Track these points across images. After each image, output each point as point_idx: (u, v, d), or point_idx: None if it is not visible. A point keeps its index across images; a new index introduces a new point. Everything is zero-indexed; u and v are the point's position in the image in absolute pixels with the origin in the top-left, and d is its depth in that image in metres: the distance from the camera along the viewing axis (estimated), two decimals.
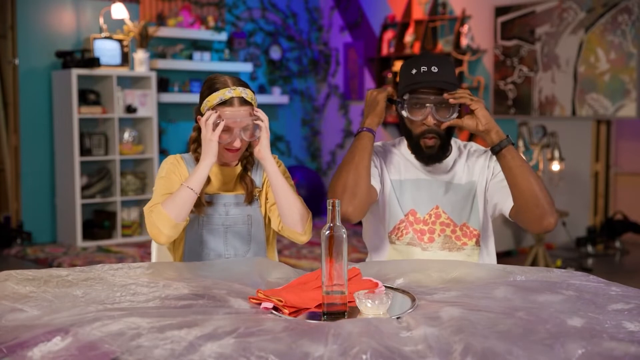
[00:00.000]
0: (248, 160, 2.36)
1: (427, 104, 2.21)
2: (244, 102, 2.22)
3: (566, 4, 6.35)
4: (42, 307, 1.65)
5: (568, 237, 6.34)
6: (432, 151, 2.27)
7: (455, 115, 2.24)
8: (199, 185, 2.15)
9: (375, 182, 2.28)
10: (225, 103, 2.20)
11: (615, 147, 6.63)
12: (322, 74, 8.52)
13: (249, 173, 2.35)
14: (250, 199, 2.31)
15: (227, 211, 2.29)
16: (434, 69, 2.20)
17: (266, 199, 2.36)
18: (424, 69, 2.21)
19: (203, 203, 2.27)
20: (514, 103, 6.77)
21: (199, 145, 2.32)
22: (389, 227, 2.33)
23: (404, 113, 2.24)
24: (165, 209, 2.12)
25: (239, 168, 2.35)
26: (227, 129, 2.21)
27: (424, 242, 2.29)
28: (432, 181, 2.32)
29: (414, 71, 2.22)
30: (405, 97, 2.23)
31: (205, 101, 2.24)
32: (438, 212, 2.30)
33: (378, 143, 2.43)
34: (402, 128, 2.32)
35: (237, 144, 2.23)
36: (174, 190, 2.22)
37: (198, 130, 2.31)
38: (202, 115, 2.25)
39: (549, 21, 6.47)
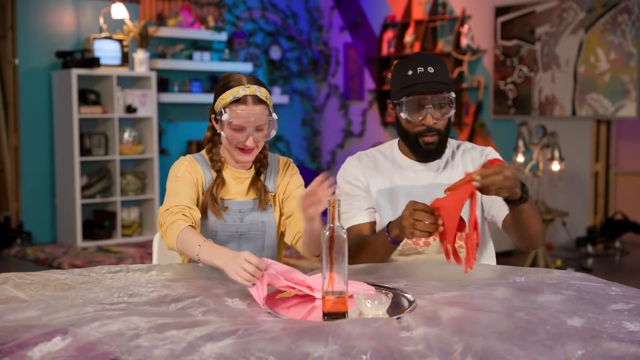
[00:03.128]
0: (262, 163, 2.31)
1: (426, 105, 2.20)
2: (258, 100, 2.17)
3: (566, 4, 6.35)
4: (40, 308, 1.65)
5: (568, 237, 6.34)
6: (431, 147, 2.26)
7: (452, 111, 2.23)
8: (205, 261, 1.99)
9: (371, 217, 2.30)
10: (238, 101, 2.15)
11: (615, 147, 6.63)
12: (322, 74, 8.52)
13: (261, 177, 2.31)
14: (264, 204, 2.27)
15: (241, 217, 2.25)
16: (430, 70, 2.18)
17: (281, 214, 2.33)
18: (420, 69, 2.18)
19: (221, 207, 2.23)
20: (514, 103, 6.77)
21: (214, 145, 2.29)
22: None
23: (403, 115, 2.22)
24: (178, 240, 2.04)
25: (252, 172, 2.30)
26: (239, 128, 2.16)
27: (419, 245, 2.28)
28: (424, 185, 2.29)
29: (410, 72, 2.19)
30: (403, 99, 2.22)
31: (219, 99, 2.19)
32: None
33: (367, 151, 2.40)
34: (398, 127, 2.30)
35: (249, 143, 2.17)
36: (190, 190, 2.17)
37: (212, 130, 2.28)
38: (215, 113, 2.22)
39: (549, 21, 6.47)
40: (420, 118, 2.21)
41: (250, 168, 2.31)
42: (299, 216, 2.26)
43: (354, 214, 2.30)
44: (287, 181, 2.34)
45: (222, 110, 2.17)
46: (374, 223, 2.31)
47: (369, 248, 2.19)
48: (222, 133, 2.20)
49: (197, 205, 2.22)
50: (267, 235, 2.29)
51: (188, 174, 2.23)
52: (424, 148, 2.26)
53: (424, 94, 2.19)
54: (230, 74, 2.24)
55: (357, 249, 2.20)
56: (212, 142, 2.29)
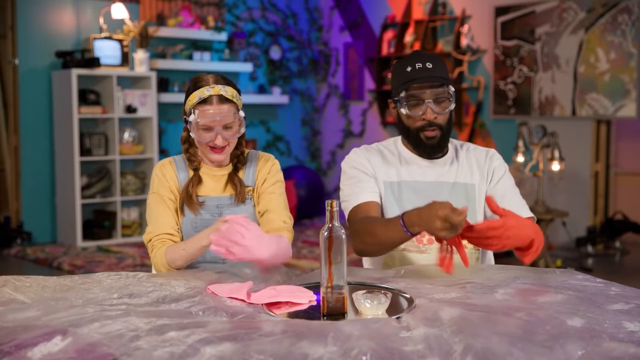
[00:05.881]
0: (239, 159, 2.35)
1: (426, 99, 2.21)
2: (224, 100, 2.22)
3: (566, 4, 6.35)
4: (40, 309, 1.64)
5: (568, 237, 6.34)
6: (433, 142, 2.27)
7: (452, 105, 2.25)
8: (195, 254, 2.16)
9: (377, 197, 2.28)
10: (205, 101, 2.21)
11: (615, 147, 6.63)
12: (322, 74, 8.52)
13: (239, 173, 2.34)
14: (240, 199, 2.30)
15: (220, 212, 2.29)
16: (429, 65, 2.22)
17: (257, 203, 2.35)
18: (418, 65, 2.21)
19: (196, 203, 2.27)
20: (514, 103, 6.77)
21: (190, 145, 2.33)
22: None
23: (403, 110, 2.24)
24: (166, 258, 2.17)
25: (230, 168, 2.35)
26: (207, 128, 2.22)
27: (422, 243, 2.28)
28: (429, 182, 2.31)
29: (409, 69, 2.22)
30: (402, 94, 2.23)
31: (187, 101, 2.25)
32: None
33: (373, 145, 2.41)
34: (400, 125, 2.31)
35: (218, 142, 2.23)
36: (167, 210, 2.25)
37: (188, 130, 2.30)
38: (186, 114, 2.27)
39: (549, 21, 6.47)
40: (420, 112, 2.23)
41: (227, 165, 2.35)
42: (272, 216, 2.30)
43: (359, 193, 2.27)
44: (264, 177, 2.36)
45: (190, 111, 2.23)
46: (379, 204, 2.29)
47: (380, 233, 2.10)
48: (192, 134, 2.25)
49: (177, 205, 2.30)
50: None
51: (161, 187, 2.29)
52: (425, 143, 2.27)
53: (422, 88, 2.21)
54: (199, 75, 2.29)
55: (368, 233, 2.15)
56: (189, 142, 2.34)
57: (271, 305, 1.76)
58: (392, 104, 2.32)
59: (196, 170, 2.32)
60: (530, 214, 2.27)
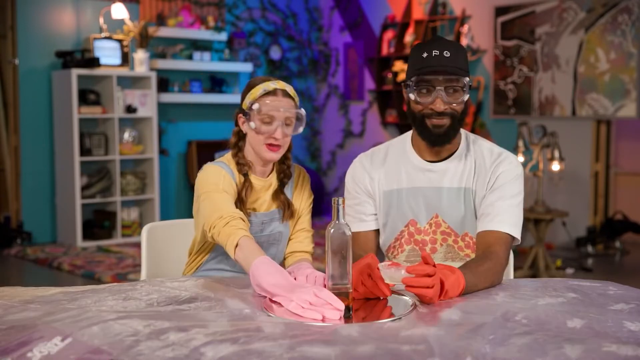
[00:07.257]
0: (285, 174, 2.29)
1: (437, 87, 2.10)
2: (287, 94, 2.20)
3: (566, 4, 6.35)
4: (40, 310, 1.64)
5: (568, 237, 6.34)
6: (440, 131, 2.14)
7: (466, 97, 2.13)
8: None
9: (374, 225, 2.27)
10: (268, 94, 2.18)
11: (615, 147, 6.63)
12: (322, 74, 8.52)
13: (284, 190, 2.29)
14: (287, 217, 2.27)
15: (262, 229, 2.24)
16: (446, 54, 2.10)
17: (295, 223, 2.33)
18: (435, 52, 2.10)
19: (248, 209, 2.22)
20: (514, 103, 6.77)
21: (239, 150, 2.26)
22: (387, 244, 2.28)
23: (412, 96, 2.13)
24: (239, 245, 1.95)
25: (275, 183, 2.28)
26: (268, 120, 2.16)
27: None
28: (430, 187, 2.22)
29: (425, 54, 2.11)
30: (413, 79, 2.12)
31: (248, 95, 2.19)
32: (438, 220, 2.21)
33: (381, 147, 2.34)
34: (408, 111, 2.21)
35: (278, 134, 2.16)
36: (232, 202, 2.12)
37: (237, 135, 2.25)
38: (243, 114, 2.20)
39: (549, 21, 6.47)
40: (430, 100, 2.11)
41: (270, 174, 2.28)
42: (301, 238, 2.30)
43: (358, 221, 2.26)
44: (301, 197, 2.32)
45: (252, 104, 2.17)
46: (377, 231, 2.27)
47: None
48: (251, 124, 2.17)
49: None
50: (281, 245, 2.29)
51: (225, 184, 2.17)
52: (432, 131, 2.15)
53: (435, 74, 2.09)
54: (255, 77, 2.28)
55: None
56: (238, 147, 2.26)
57: (271, 305, 1.75)
58: (404, 89, 2.21)
59: (246, 175, 2.24)
60: (506, 230, 2.11)
